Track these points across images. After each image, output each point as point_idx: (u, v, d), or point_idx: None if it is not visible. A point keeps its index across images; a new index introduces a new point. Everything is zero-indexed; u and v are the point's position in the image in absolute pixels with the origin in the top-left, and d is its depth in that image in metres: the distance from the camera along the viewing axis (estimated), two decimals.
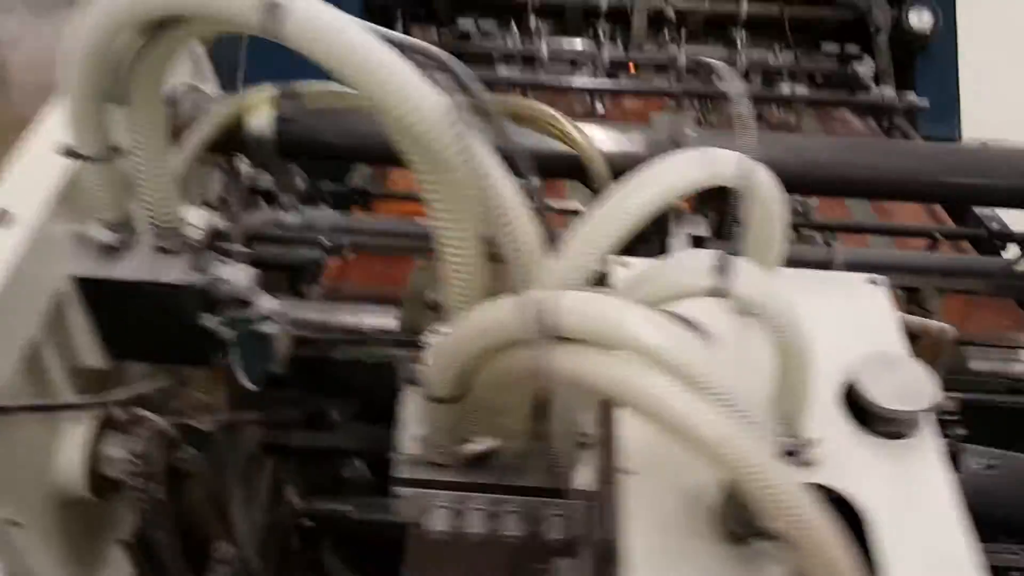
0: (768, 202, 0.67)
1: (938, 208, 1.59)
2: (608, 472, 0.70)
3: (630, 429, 0.66)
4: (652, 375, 0.52)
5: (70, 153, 0.73)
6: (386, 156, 1.01)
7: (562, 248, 0.65)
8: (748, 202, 0.65)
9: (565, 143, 0.95)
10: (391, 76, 0.56)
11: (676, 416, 0.51)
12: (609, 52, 2.01)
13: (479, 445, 0.72)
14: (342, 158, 1.12)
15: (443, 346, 0.65)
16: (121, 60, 0.65)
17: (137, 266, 0.79)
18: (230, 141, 0.95)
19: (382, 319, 1.27)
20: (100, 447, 0.85)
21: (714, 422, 0.51)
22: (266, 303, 0.87)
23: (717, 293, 0.56)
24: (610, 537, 0.71)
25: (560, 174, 0.98)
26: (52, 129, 0.81)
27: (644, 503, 0.63)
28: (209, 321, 0.83)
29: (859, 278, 0.77)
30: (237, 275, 0.84)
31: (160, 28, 0.62)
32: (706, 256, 0.57)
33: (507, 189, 0.61)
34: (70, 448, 0.84)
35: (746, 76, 2.11)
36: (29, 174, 0.77)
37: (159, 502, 0.88)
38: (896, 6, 2.00)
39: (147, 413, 0.82)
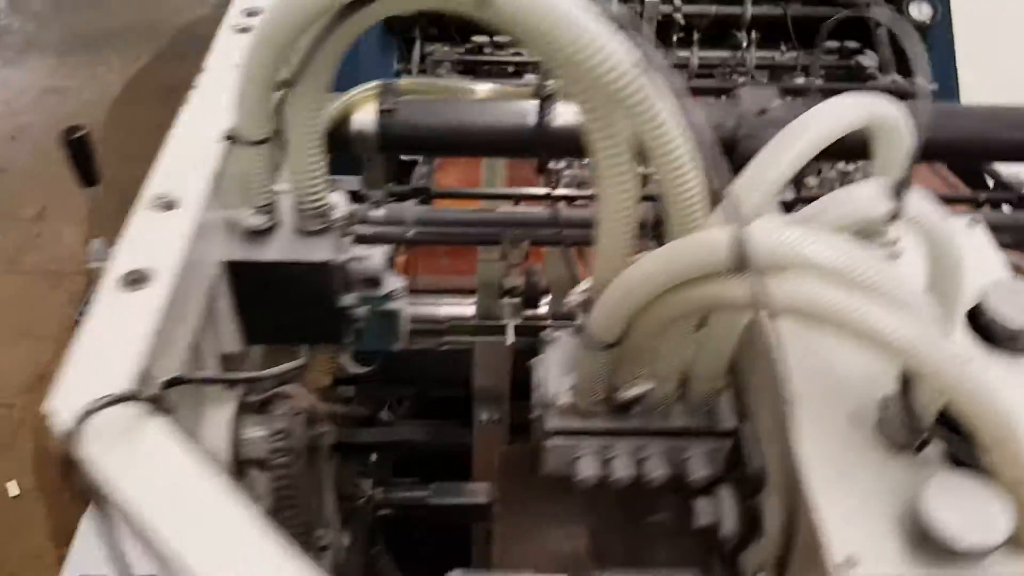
0: (907, 146, 0.73)
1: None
2: (766, 403, 0.75)
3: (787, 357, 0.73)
4: (869, 300, 0.58)
5: (232, 138, 0.78)
6: (480, 145, 1.08)
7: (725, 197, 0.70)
8: (886, 145, 0.72)
9: None
10: (585, 30, 0.61)
11: (900, 339, 0.57)
12: None
13: (634, 389, 0.77)
14: (439, 151, 1.18)
15: (615, 290, 0.70)
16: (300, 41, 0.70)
17: (288, 247, 0.84)
18: (335, 137, 1.00)
19: (460, 308, 1.33)
20: (243, 427, 0.89)
21: (936, 344, 0.57)
22: (395, 281, 0.92)
23: (893, 217, 0.62)
24: (758, 468, 0.76)
25: None
26: (198, 116, 0.86)
27: (814, 426, 0.68)
28: (347, 300, 0.88)
29: (959, 220, 0.84)
30: (373, 254, 0.89)
31: (350, 7, 0.67)
32: (876, 185, 0.63)
33: (682, 139, 0.67)
34: (215, 429, 0.87)
35: (752, 76, 2.21)
36: (183, 159, 0.82)
37: (295, 480, 0.92)
38: (895, 1, 2.11)
39: (295, 389, 0.86)
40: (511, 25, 0.62)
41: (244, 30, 0.99)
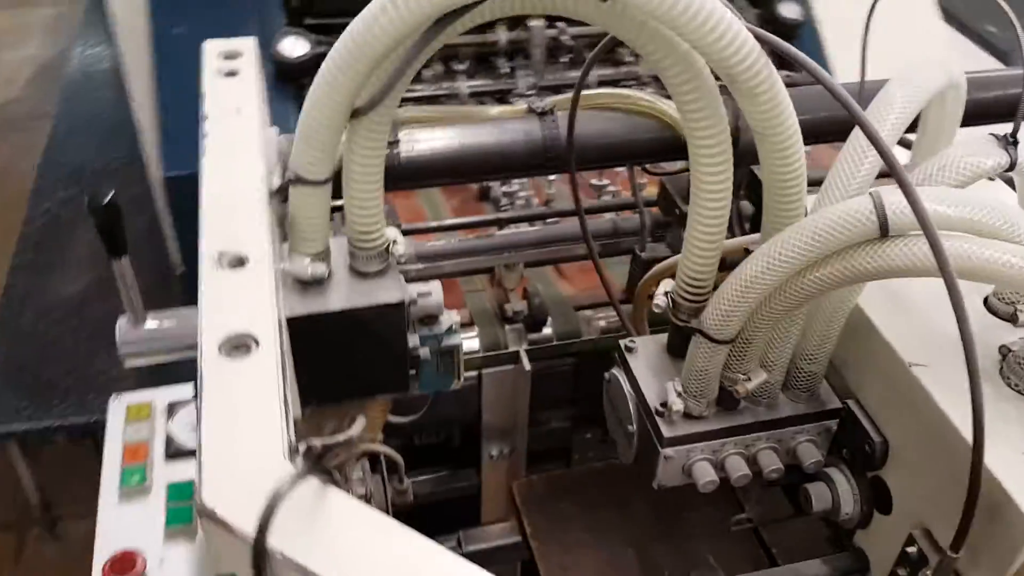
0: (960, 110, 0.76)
1: None
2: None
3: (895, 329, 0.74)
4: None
5: (295, 180, 0.71)
6: (493, 167, 1.04)
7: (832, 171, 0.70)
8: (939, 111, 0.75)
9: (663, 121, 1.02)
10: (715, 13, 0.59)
11: None
12: (522, 82, 2.11)
13: (753, 381, 0.75)
14: (450, 177, 1.12)
15: (736, 284, 0.68)
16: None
17: (353, 292, 0.77)
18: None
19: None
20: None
21: None
22: (451, 316, 0.86)
23: (1009, 168, 0.64)
24: (880, 442, 0.76)
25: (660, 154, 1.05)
26: (224, 165, 0.78)
27: (946, 387, 0.69)
28: (412, 340, 0.82)
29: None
30: (431, 289, 0.83)
31: (441, 21, 0.62)
32: (986, 139, 0.65)
33: (795, 124, 0.66)
34: None
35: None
36: (231, 211, 0.73)
37: None
38: (762, 5, 2.24)
39: (377, 447, 0.79)
40: (638, 15, 0.60)
41: (231, 74, 0.91)
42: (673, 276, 0.91)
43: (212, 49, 0.95)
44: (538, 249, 1.21)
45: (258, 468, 0.53)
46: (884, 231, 0.62)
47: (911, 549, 0.72)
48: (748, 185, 1.08)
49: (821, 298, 0.72)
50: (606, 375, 0.86)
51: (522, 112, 1.03)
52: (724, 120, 0.69)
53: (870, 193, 0.63)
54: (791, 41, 2.15)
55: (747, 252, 0.79)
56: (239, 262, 0.68)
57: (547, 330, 1.23)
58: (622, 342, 0.84)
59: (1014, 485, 0.63)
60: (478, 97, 2.06)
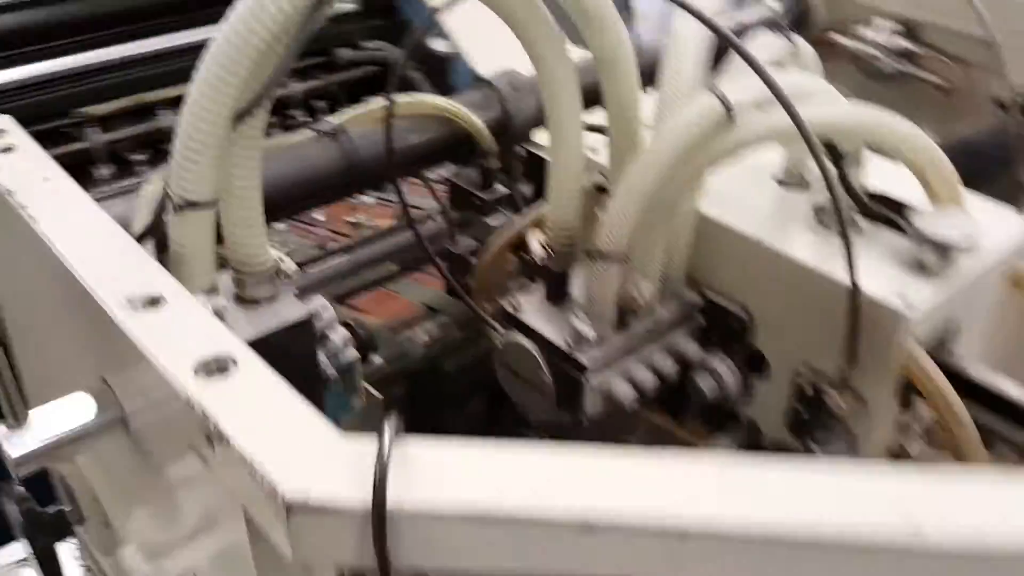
0: None
1: None
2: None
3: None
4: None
5: (181, 206, 0.66)
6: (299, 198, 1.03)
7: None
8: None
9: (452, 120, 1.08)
10: None
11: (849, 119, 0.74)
12: None
13: (645, 292, 0.83)
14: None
15: (623, 196, 0.76)
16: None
17: (255, 320, 0.72)
18: None
19: None
20: None
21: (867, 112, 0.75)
22: (341, 331, 0.84)
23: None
24: (740, 317, 0.89)
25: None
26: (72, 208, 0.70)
27: (791, 244, 0.83)
28: (321, 359, 0.79)
29: None
30: (323, 305, 0.80)
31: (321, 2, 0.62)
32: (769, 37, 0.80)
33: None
34: None
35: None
36: (107, 253, 0.66)
37: None
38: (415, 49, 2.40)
39: None
40: None
41: (6, 150, 0.81)
42: (512, 247, 0.97)
43: None
44: (348, 280, 1.21)
45: (322, 444, 0.51)
46: (730, 118, 0.74)
47: (805, 390, 0.85)
48: (526, 165, 1.17)
49: (675, 208, 0.83)
50: (499, 344, 0.89)
51: (313, 138, 1.03)
52: (572, 61, 0.77)
53: (708, 89, 0.75)
54: (445, 73, 2.30)
55: (598, 188, 0.89)
56: (153, 302, 0.63)
57: (376, 359, 1.22)
58: (505, 305, 0.88)
59: (876, 291, 0.77)
60: None
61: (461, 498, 0.47)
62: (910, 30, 1.48)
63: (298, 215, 1.58)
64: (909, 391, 0.81)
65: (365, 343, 1.20)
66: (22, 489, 0.95)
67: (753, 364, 0.90)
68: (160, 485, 0.71)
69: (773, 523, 0.46)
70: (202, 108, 0.63)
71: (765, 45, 0.84)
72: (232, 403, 0.54)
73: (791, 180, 0.94)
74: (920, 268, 0.80)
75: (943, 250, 0.78)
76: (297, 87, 2.27)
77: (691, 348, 0.90)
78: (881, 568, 0.46)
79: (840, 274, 0.78)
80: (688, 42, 0.82)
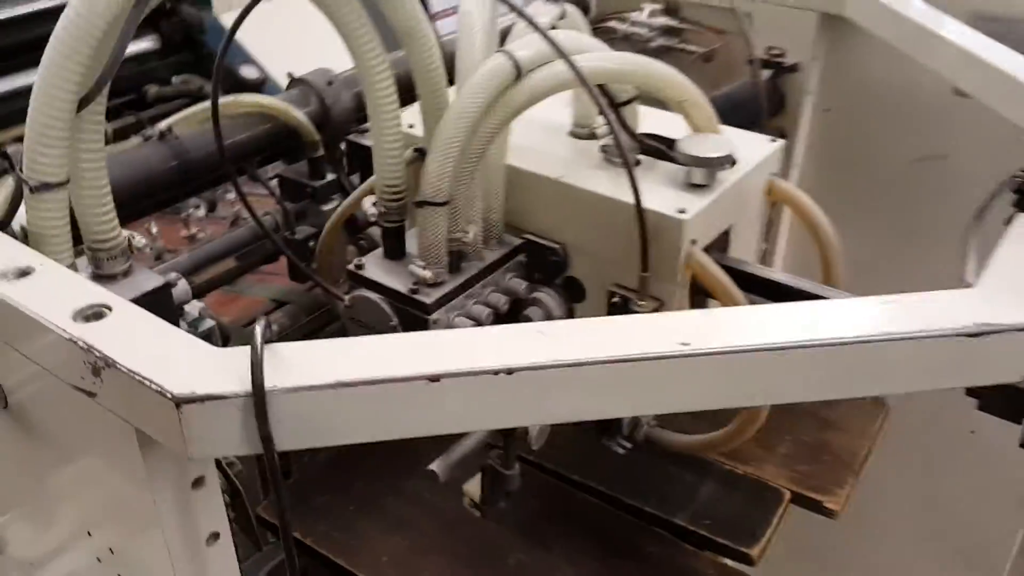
0: None
1: None
2: None
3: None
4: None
5: (35, 187, 0.71)
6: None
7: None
8: None
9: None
10: None
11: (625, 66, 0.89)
12: None
13: (469, 234, 0.95)
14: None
15: (438, 149, 0.87)
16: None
17: (118, 290, 0.78)
18: None
19: None
20: None
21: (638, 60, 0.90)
22: (197, 303, 0.90)
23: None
24: (557, 250, 1.02)
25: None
26: None
27: (584, 179, 0.97)
28: (181, 327, 0.85)
29: None
30: (176, 276, 0.87)
31: None
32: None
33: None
34: None
35: None
36: None
37: None
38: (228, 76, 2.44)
39: None
40: None
41: None
42: (348, 220, 1.07)
43: None
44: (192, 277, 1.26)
45: (200, 354, 0.59)
46: (519, 72, 0.87)
47: (615, 300, 0.99)
48: (350, 155, 1.27)
49: (488, 160, 0.95)
50: (345, 300, 0.98)
51: (139, 143, 1.09)
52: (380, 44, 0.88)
53: (499, 51, 0.88)
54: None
55: (417, 152, 0.99)
56: (23, 273, 0.68)
57: None
58: (350, 267, 0.98)
59: (657, 206, 0.92)
60: None
61: (327, 374, 0.57)
62: (670, 9, 1.69)
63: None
64: (698, 293, 0.97)
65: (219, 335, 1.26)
66: None
67: (572, 291, 1.04)
68: (41, 457, 0.76)
69: (581, 356, 0.58)
70: (48, 95, 0.69)
71: (541, 11, 0.98)
72: (112, 337, 0.61)
73: (581, 132, 1.08)
74: (691, 186, 0.96)
75: (706, 166, 0.94)
76: (108, 127, 2.28)
77: (519, 285, 1.02)
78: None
79: (629, 197, 0.93)
80: (475, 15, 0.94)
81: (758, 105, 1.43)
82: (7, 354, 0.70)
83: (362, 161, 1.30)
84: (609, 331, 0.61)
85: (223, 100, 1.12)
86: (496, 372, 0.57)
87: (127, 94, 2.44)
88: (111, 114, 2.35)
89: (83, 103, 0.72)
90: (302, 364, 0.57)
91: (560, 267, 1.03)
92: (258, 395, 0.55)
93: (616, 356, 0.58)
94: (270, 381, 0.56)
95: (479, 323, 0.97)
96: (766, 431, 1.12)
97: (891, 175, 1.58)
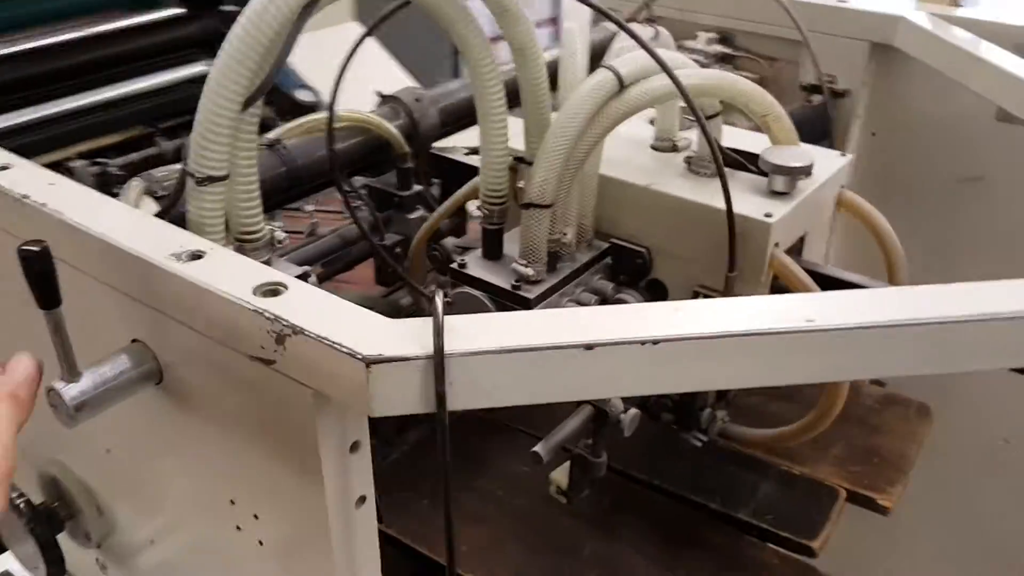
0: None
1: None
2: None
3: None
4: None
5: (203, 180, 0.79)
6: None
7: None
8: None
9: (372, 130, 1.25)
10: None
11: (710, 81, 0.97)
12: None
13: (568, 236, 1.02)
14: None
15: (547, 153, 0.95)
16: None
17: None
18: None
19: None
20: None
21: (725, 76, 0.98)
22: None
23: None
24: (643, 253, 1.09)
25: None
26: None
27: (675, 187, 1.05)
28: None
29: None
30: (310, 270, 0.94)
31: (308, 7, 0.77)
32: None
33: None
34: None
35: None
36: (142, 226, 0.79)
37: None
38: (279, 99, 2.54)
39: None
40: None
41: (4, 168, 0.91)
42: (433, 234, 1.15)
43: None
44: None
45: (379, 323, 0.66)
46: (621, 84, 0.95)
47: (700, 298, 1.06)
48: (431, 167, 1.36)
49: (584, 168, 1.03)
50: (448, 298, 1.05)
51: None
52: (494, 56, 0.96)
53: (601, 66, 0.96)
54: None
55: (517, 159, 1.07)
56: (196, 256, 0.76)
57: None
58: (453, 265, 1.05)
59: (745, 210, 1.00)
60: None
61: (495, 341, 0.64)
62: (724, 38, 1.78)
63: None
64: (775, 293, 1.04)
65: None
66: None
67: (655, 292, 1.11)
68: (194, 430, 0.82)
69: (723, 328, 0.65)
70: (219, 95, 0.77)
71: (638, 31, 1.06)
72: (296, 309, 0.68)
73: (662, 145, 1.16)
74: (773, 194, 1.04)
75: (789, 174, 1.02)
76: (168, 145, 2.37)
77: (606, 285, 1.09)
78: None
79: (716, 203, 1.01)
80: (576, 33, 1.03)
81: (813, 128, 1.51)
82: (170, 330, 0.77)
83: (443, 172, 1.38)
84: (738, 309, 0.68)
85: (324, 114, 1.20)
86: (643, 343, 0.64)
87: (184, 115, 2.54)
88: (169, 134, 2.45)
89: (247, 103, 0.80)
90: (474, 333, 0.64)
91: (645, 269, 1.10)
92: (438, 357, 0.62)
93: (747, 330, 0.65)
94: (448, 346, 0.63)
95: None
96: (819, 436, 1.19)
97: (933, 195, 1.66)
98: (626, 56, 0.97)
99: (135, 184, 0.97)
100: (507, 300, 1.02)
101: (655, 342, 0.64)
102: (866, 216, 1.13)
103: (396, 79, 2.99)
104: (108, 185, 2.20)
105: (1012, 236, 1.60)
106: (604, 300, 1.09)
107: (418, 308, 1.34)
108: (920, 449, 1.37)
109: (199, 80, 2.40)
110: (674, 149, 1.15)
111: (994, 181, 1.60)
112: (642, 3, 1.62)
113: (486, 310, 1.02)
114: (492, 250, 1.06)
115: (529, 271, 1.00)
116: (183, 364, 0.79)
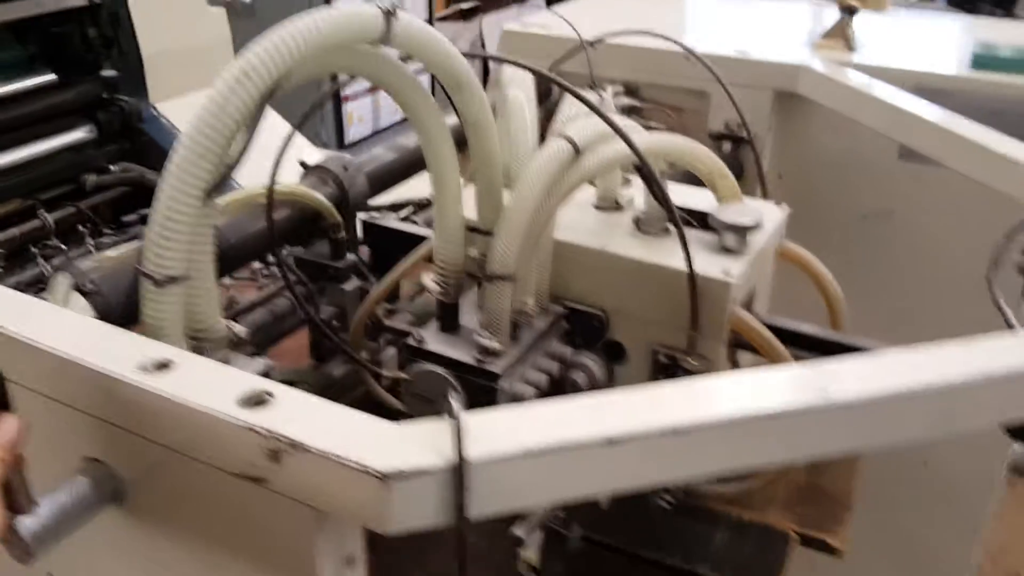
0: None
1: None
2: None
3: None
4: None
5: (163, 281, 0.72)
6: None
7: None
8: None
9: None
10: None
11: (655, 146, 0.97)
12: None
13: (528, 306, 0.99)
14: None
15: (511, 225, 0.92)
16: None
17: None
18: None
19: None
20: None
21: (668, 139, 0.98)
22: None
23: None
24: (600, 316, 1.08)
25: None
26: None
27: (626, 247, 1.05)
28: None
29: None
30: (268, 364, 0.88)
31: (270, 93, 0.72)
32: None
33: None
34: None
35: None
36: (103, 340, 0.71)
37: None
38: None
39: None
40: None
41: None
42: (388, 298, 1.11)
43: None
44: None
45: (382, 431, 0.62)
46: (577, 151, 0.94)
47: (662, 360, 1.06)
48: (366, 234, 1.31)
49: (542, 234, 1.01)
50: (408, 375, 1.01)
51: None
52: (446, 123, 0.93)
53: (559, 136, 0.95)
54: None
55: (470, 228, 1.04)
56: (162, 365, 0.69)
57: None
58: (408, 341, 1.01)
59: (705, 270, 1.00)
60: None
61: (515, 442, 0.61)
62: (630, 90, 1.82)
63: None
64: (732, 347, 1.05)
65: None
66: None
67: (613, 353, 1.10)
68: (165, 552, 0.75)
69: (744, 410, 0.64)
70: (180, 189, 0.71)
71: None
72: (289, 421, 0.63)
73: (606, 205, 1.16)
74: (724, 251, 1.05)
75: (742, 232, 1.03)
76: (49, 218, 2.21)
77: (565, 350, 1.08)
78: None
79: (672, 263, 1.01)
80: (523, 100, 1.02)
81: None
82: (136, 447, 0.70)
83: (376, 240, 1.34)
84: (750, 386, 0.67)
85: (252, 190, 1.14)
86: (666, 433, 0.63)
87: (65, 184, 2.38)
88: (49, 205, 2.30)
89: (210, 193, 0.74)
90: (492, 434, 0.61)
91: (601, 331, 1.09)
92: (461, 467, 0.58)
93: (774, 410, 0.64)
94: (467, 451, 0.59)
95: (538, 389, 1.01)
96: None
97: (839, 230, 1.73)
98: (578, 123, 0.97)
99: (62, 280, 0.89)
100: (471, 375, 0.98)
101: (678, 432, 0.63)
102: (806, 264, 1.16)
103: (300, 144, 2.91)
104: None
105: (917, 266, 1.69)
106: (565, 365, 1.07)
107: (353, 380, 1.28)
108: (860, 481, 1.41)
109: (79, 147, 2.29)
110: (617, 208, 1.15)
111: (899, 215, 1.68)
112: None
113: (449, 387, 0.99)
114: (449, 323, 1.03)
115: (494, 344, 0.97)
116: (150, 482, 0.72)
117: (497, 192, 0.99)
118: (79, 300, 0.92)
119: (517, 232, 0.94)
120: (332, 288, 1.27)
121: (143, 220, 2.28)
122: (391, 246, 1.34)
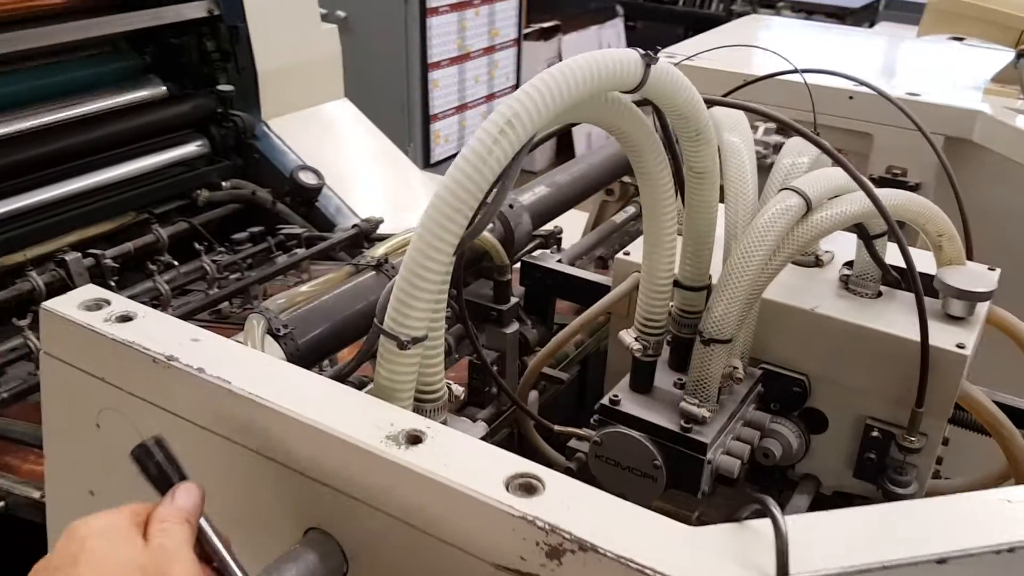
0: None
1: None
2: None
3: None
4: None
5: (407, 343, 0.66)
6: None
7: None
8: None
9: None
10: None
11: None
12: None
13: (738, 371, 0.92)
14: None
15: (729, 288, 0.85)
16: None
17: None
18: None
19: None
20: None
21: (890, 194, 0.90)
22: None
23: None
24: (801, 380, 1.00)
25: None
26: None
27: (840, 311, 0.96)
28: None
29: None
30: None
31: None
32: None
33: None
34: None
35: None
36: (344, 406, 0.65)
37: None
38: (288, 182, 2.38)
39: None
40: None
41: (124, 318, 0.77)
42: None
43: None
44: None
45: (676, 535, 0.54)
46: (808, 206, 0.87)
47: (874, 435, 0.97)
48: (524, 276, 1.25)
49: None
50: (595, 438, 0.93)
51: (351, 271, 1.05)
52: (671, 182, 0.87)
53: (786, 188, 0.87)
54: (315, 201, 2.37)
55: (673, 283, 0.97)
56: (414, 439, 0.63)
57: None
58: (604, 402, 0.93)
59: (938, 344, 0.91)
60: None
61: (843, 559, 0.53)
62: (782, 128, 1.73)
63: None
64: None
65: None
66: None
67: (813, 422, 1.02)
68: None
69: None
70: (432, 247, 0.65)
71: (799, 150, 0.98)
72: (571, 516, 0.56)
73: (805, 260, 1.08)
74: (949, 318, 0.96)
75: (970, 299, 0.94)
76: (163, 232, 2.19)
77: (763, 417, 0.99)
78: None
79: (894, 330, 0.93)
80: (742, 147, 0.94)
81: None
82: (366, 519, 0.64)
83: (535, 282, 1.28)
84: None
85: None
86: (999, 551, 0.54)
87: (177, 199, 2.37)
88: (163, 220, 2.28)
89: (458, 248, 0.68)
90: (810, 546, 0.53)
91: (803, 398, 1.01)
92: None
93: None
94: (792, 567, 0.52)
95: (742, 460, 0.93)
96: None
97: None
98: (810, 176, 0.89)
99: (256, 322, 0.84)
100: (674, 443, 0.90)
101: (1012, 549, 0.54)
102: (1013, 331, 1.06)
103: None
104: (103, 277, 2.02)
105: None
106: (763, 433, 0.99)
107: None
108: None
109: (192, 161, 2.29)
110: (818, 263, 1.07)
111: None
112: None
113: (648, 455, 0.91)
114: (643, 383, 0.95)
115: (703, 412, 0.89)
116: (379, 558, 0.66)
117: (708, 247, 0.92)
118: (273, 345, 0.87)
119: (739, 293, 0.86)
120: (492, 331, 1.21)
121: (253, 239, 2.26)
122: (550, 287, 1.28)
